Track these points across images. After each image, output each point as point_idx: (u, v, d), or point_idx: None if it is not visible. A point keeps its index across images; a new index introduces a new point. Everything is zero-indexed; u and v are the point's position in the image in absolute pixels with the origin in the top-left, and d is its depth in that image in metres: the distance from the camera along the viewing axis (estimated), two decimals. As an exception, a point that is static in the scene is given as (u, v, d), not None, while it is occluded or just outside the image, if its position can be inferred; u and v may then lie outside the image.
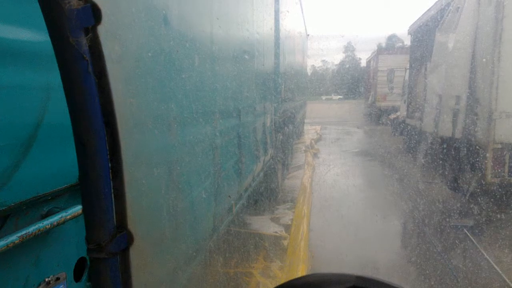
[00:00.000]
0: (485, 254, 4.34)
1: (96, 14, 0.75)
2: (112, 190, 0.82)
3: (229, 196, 3.70)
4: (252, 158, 4.03)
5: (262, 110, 4.63)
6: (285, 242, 4.72)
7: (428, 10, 8.45)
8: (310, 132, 16.18)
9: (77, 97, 0.77)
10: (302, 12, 11.75)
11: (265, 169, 5.29)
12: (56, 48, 0.75)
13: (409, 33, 11.58)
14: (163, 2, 1.87)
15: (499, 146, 5.33)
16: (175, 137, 2.01)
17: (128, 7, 1.28)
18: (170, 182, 1.86)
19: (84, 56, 0.74)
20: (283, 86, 6.86)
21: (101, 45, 0.77)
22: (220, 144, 3.03)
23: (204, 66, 2.49)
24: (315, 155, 11.47)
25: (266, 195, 5.94)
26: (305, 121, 16.36)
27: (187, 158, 2.19)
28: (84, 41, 0.74)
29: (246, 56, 3.66)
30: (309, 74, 28.26)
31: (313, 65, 41.36)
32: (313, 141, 13.45)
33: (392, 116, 16.42)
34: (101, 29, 0.77)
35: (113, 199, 0.82)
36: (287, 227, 5.26)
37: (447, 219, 5.25)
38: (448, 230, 5.04)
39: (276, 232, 5.04)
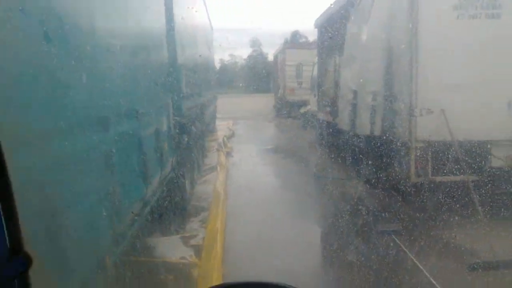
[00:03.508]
0: (417, 262, 4.07)
1: None
2: (2, 213, 0.78)
3: (133, 212, 3.21)
4: (140, 178, 3.15)
5: (152, 114, 3.72)
6: (195, 272, 3.91)
7: (337, 0, 8.15)
8: (222, 128, 15.48)
9: None
10: (205, 4, 11.01)
11: (165, 183, 4.40)
12: None
13: (315, 26, 11.40)
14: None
15: (421, 144, 5.08)
16: (63, 152, 1.85)
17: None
18: (63, 200, 1.77)
19: None
20: (184, 82, 5.98)
21: None
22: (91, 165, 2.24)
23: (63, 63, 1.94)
24: (228, 154, 10.81)
25: (172, 210, 5.06)
26: (217, 116, 15.66)
27: (76, 175, 1.98)
28: None
29: (120, 49, 2.77)
30: (217, 68, 27.54)
31: (221, 59, 40.66)
32: (225, 138, 12.77)
33: (303, 110, 16.54)
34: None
35: (3, 222, 0.78)
36: (198, 249, 4.46)
37: (372, 224, 4.92)
38: (375, 236, 4.72)
39: (184, 258, 4.19)
